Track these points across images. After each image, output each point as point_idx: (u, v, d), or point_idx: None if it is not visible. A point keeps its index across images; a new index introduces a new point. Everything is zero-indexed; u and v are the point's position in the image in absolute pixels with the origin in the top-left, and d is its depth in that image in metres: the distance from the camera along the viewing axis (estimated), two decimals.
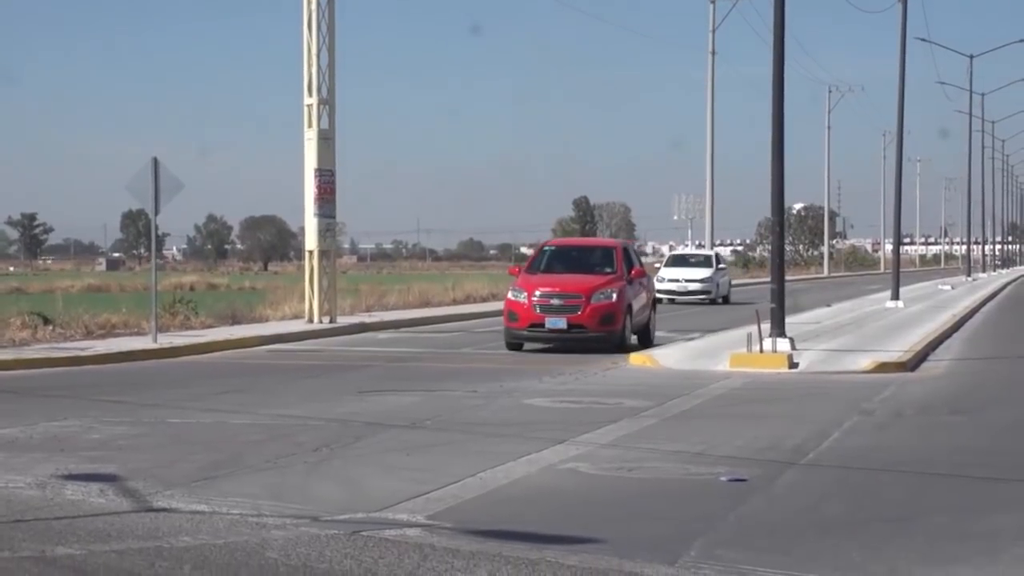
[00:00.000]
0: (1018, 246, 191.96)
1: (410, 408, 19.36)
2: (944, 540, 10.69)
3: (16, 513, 11.61)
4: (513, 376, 23.80)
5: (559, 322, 28.81)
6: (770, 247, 30.05)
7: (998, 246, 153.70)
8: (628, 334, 29.72)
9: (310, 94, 33.65)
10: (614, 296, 29.27)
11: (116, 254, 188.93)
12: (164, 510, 11.76)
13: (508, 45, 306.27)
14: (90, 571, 9.57)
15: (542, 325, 28.97)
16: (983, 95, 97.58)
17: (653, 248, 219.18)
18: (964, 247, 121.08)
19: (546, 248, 33.39)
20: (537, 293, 29.26)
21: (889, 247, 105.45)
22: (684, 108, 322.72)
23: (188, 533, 10.82)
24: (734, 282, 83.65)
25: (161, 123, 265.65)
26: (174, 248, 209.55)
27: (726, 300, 58.16)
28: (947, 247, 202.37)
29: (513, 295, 29.81)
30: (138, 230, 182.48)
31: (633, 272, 30.95)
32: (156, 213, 29.78)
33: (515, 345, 29.73)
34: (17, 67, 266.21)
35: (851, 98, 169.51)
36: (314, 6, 33.19)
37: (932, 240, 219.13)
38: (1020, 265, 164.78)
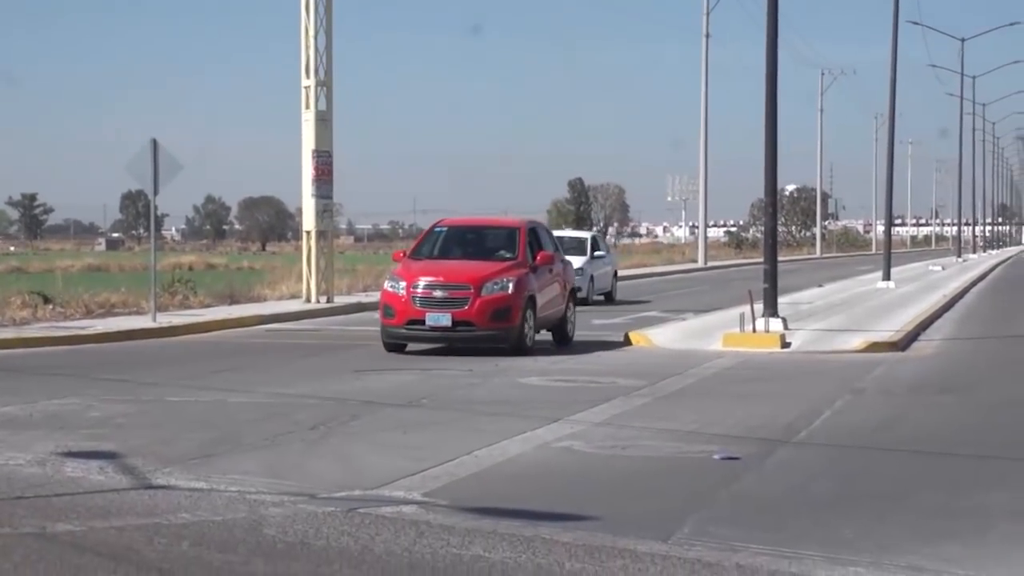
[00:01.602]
0: (1007, 227, 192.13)
1: (406, 387, 19.37)
2: (933, 517, 10.71)
3: (17, 490, 11.62)
4: (506, 356, 23.82)
5: (442, 318, 23.58)
6: (763, 228, 29.95)
7: (988, 227, 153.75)
8: (528, 332, 24.29)
9: (307, 76, 33.61)
10: (510, 287, 23.88)
11: (116, 234, 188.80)
12: (163, 487, 11.77)
13: (506, 28, 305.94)
14: (90, 547, 9.57)
15: (422, 322, 23.67)
16: (974, 78, 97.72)
17: (647, 229, 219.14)
18: (954, 228, 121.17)
19: (436, 229, 27.12)
20: (417, 284, 23.92)
21: (881, 228, 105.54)
22: (679, 91, 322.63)
23: (186, 510, 10.83)
24: (727, 263, 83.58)
25: (160, 104, 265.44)
26: (173, 228, 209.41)
27: (609, 297, 43.19)
28: (938, 228, 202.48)
29: (390, 286, 24.53)
30: (137, 211, 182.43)
31: (539, 258, 25.34)
32: (155, 194, 29.77)
33: (393, 346, 24.38)
34: (19, 49, 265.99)
35: (843, 81, 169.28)
36: None
37: (923, 221, 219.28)
38: (1010, 246, 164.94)
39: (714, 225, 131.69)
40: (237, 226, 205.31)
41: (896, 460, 13.62)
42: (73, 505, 11.04)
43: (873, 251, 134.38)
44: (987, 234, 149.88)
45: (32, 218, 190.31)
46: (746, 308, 26.50)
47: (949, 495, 11.58)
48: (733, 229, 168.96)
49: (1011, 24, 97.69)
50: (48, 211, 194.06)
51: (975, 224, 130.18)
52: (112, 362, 22.73)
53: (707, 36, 76.34)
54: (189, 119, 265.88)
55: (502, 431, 14.93)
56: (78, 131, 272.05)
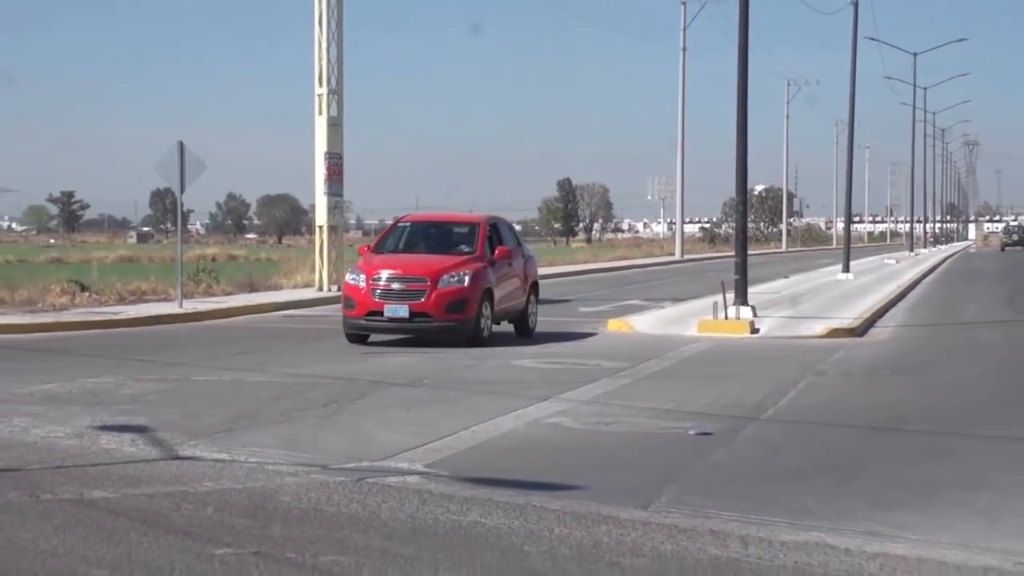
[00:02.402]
0: (955, 225, 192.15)
1: (409, 368, 19.36)
2: (887, 488, 10.73)
3: (56, 460, 11.62)
4: (502, 339, 23.80)
5: (400, 310, 22.46)
6: (735, 225, 29.97)
7: (937, 224, 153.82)
8: (485, 324, 23.12)
9: (320, 85, 33.59)
10: (466, 280, 22.70)
11: (145, 228, 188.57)
12: (189, 458, 11.78)
13: (502, 40, 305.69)
14: (123, 512, 9.58)
15: (381, 313, 22.56)
16: (925, 89, 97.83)
17: (629, 225, 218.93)
18: (907, 225, 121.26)
19: (399, 225, 25.88)
20: (376, 277, 22.82)
21: (840, 225, 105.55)
22: (659, 98, 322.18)
23: (210, 479, 10.84)
24: (701, 256, 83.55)
25: (187, 108, 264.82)
26: (197, 223, 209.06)
27: None
28: (892, 225, 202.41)
29: (351, 279, 23.42)
30: (165, 207, 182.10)
31: (497, 253, 24.09)
32: (182, 191, 29.79)
33: (355, 337, 23.24)
34: (57, 56, 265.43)
35: (807, 91, 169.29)
36: (324, 5, 33.10)
37: (879, 219, 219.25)
38: (957, 242, 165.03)
39: (690, 221, 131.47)
40: (256, 221, 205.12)
41: (853, 435, 13.64)
42: (107, 474, 11.05)
43: (834, 246, 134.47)
44: (937, 231, 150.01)
45: (70, 213, 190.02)
46: (719, 297, 26.52)
47: (901, 467, 11.61)
48: (707, 225, 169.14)
49: (959, 40, 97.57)
50: (84, 207, 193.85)
51: (926, 221, 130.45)
52: (142, 344, 22.72)
53: (684, 50, 76.30)
54: (213, 123, 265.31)
55: (497, 409, 14.93)
56: (111, 133, 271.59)
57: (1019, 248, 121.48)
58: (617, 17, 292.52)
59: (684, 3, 75.34)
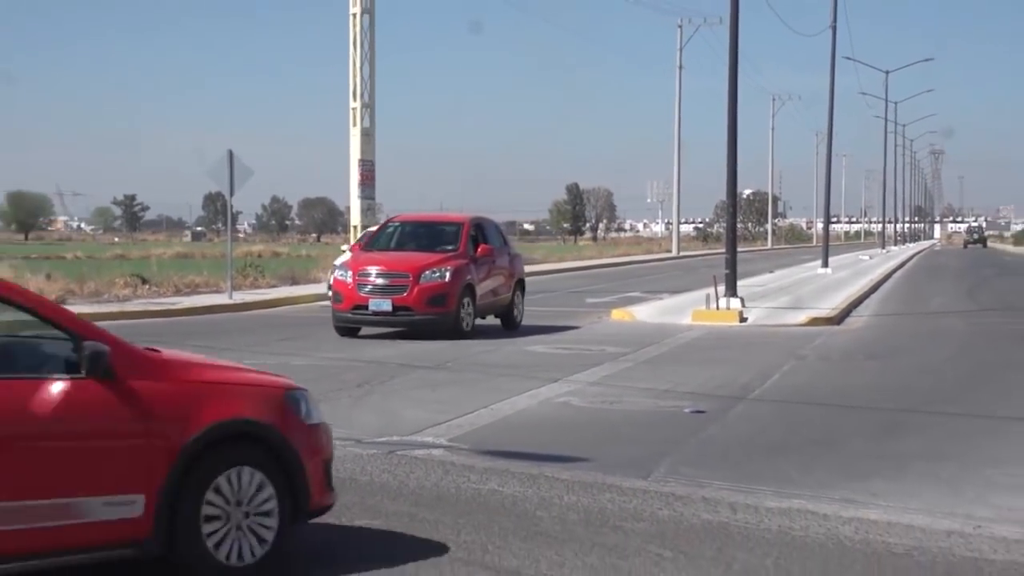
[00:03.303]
0: (922, 225, 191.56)
1: (434, 353, 19.37)
2: (862, 459, 10.73)
3: None
4: (510, 329, 23.82)
5: (384, 304, 21.39)
6: (725, 224, 29.92)
7: (906, 225, 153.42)
8: (465, 318, 21.93)
9: (354, 99, 33.57)
10: (447, 276, 21.54)
11: (199, 228, 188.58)
12: None
13: (517, 60, 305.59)
14: None
15: (366, 307, 21.49)
16: (896, 103, 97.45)
17: (631, 225, 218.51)
18: (880, 225, 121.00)
19: (389, 224, 25.10)
20: (362, 273, 21.78)
21: (820, 225, 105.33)
22: (658, 111, 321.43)
23: None
24: (696, 253, 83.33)
25: (237, 119, 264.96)
26: (245, 223, 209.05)
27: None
28: (866, 225, 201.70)
29: (340, 274, 22.45)
30: (216, 208, 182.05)
31: (480, 250, 22.87)
32: (231, 195, 29.83)
33: (345, 330, 22.00)
34: (120, 69, 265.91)
35: (791, 105, 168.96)
36: (358, 29, 33.09)
37: (854, 219, 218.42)
38: (923, 240, 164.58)
39: (685, 222, 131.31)
40: (297, 221, 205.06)
41: (831, 413, 13.62)
42: None
43: (814, 244, 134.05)
44: (906, 230, 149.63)
45: (132, 214, 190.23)
46: (711, 290, 26.48)
47: (874, 442, 11.59)
48: (701, 225, 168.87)
49: (925, 60, 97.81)
50: (144, 209, 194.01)
51: (896, 222, 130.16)
52: (196, 331, 22.76)
53: (680, 67, 76.17)
54: (260, 132, 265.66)
55: (513, 389, 14.94)
56: (169, 141, 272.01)
57: (979, 245, 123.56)
58: (621, 38, 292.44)
59: (680, 26, 75.25)
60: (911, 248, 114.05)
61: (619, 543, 7.86)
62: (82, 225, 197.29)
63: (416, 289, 21.36)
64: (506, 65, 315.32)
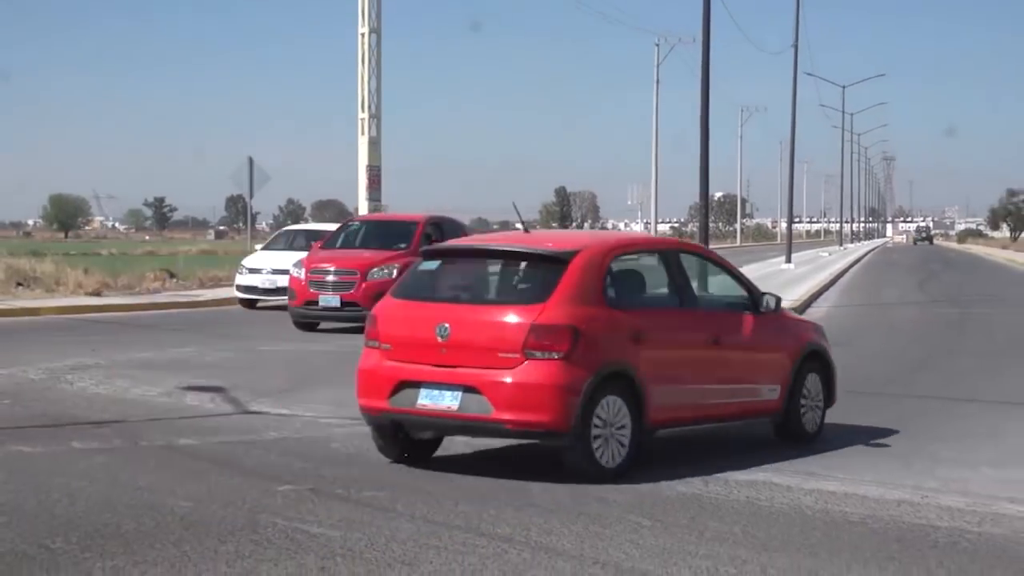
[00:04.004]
0: (876, 224, 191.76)
1: None
2: (822, 439, 10.69)
3: (151, 414, 11.65)
4: None
5: (332, 300, 20.32)
6: (699, 224, 29.93)
7: (861, 224, 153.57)
8: None
9: (363, 110, 33.47)
10: (394, 272, 19.83)
11: (222, 227, 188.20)
12: (257, 413, 11.80)
13: (510, 69, 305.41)
14: (204, 456, 9.60)
15: (316, 303, 20.46)
16: (852, 115, 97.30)
17: (612, 225, 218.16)
18: (838, 225, 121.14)
19: (349, 224, 24.07)
20: (313, 270, 20.72)
21: (784, 224, 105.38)
22: (637, 120, 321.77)
23: (274, 429, 10.86)
24: None
25: (254, 128, 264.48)
26: (263, 223, 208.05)
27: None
28: (825, 224, 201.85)
29: (294, 272, 21.20)
30: (237, 209, 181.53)
31: None
32: (251, 197, 29.87)
33: (302, 325, 20.83)
34: (155, 84, 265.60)
35: (757, 116, 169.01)
36: (366, 47, 33.01)
37: (814, 219, 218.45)
38: (876, 239, 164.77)
39: (662, 222, 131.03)
40: (311, 222, 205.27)
41: None
42: (191, 425, 11.07)
43: (778, 241, 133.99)
44: (861, 229, 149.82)
45: (161, 215, 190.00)
46: None
47: (833, 421, 11.57)
48: (676, 225, 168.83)
49: (878, 76, 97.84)
50: (172, 210, 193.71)
51: (852, 222, 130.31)
52: (220, 321, 22.74)
53: (657, 82, 76.06)
54: (276, 139, 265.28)
55: None
56: (196, 148, 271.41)
57: (926, 243, 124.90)
58: (605, 56, 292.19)
59: (658, 44, 75.14)
60: (866, 245, 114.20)
61: (602, 512, 7.86)
62: (116, 224, 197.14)
63: (363, 285, 20.17)
64: (502, 81, 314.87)
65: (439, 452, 9.76)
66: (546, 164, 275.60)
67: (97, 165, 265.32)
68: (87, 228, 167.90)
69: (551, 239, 9.75)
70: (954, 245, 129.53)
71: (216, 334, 19.91)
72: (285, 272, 23.37)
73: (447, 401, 8.68)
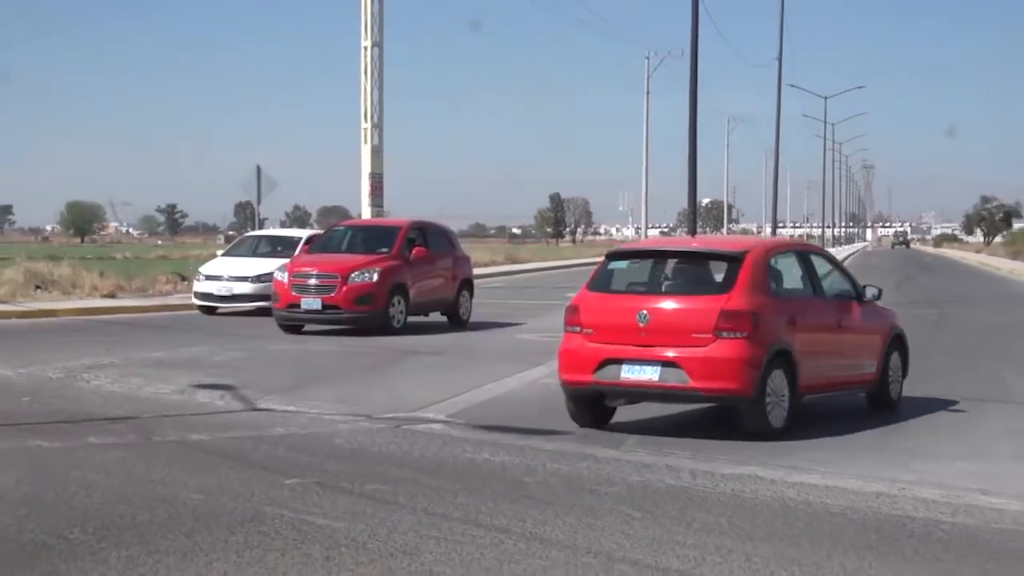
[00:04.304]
0: (856, 229, 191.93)
1: (437, 342, 19.37)
2: (806, 431, 10.70)
3: (164, 410, 11.65)
4: (508, 319, 23.82)
5: (314, 303, 19.89)
6: (687, 230, 29.96)
7: (842, 229, 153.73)
8: (396, 315, 20.30)
9: (365, 120, 33.49)
10: (375, 276, 19.93)
11: (231, 232, 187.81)
12: (265, 410, 11.80)
13: (507, 81, 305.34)
14: (214, 451, 9.60)
15: (298, 306, 20.02)
16: (833, 124, 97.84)
17: (605, 229, 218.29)
18: (819, 230, 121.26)
19: (334, 229, 23.87)
20: (296, 274, 20.24)
21: (768, 229, 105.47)
22: (629, 129, 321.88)
23: (281, 425, 10.85)
24: None
25: (263, 137, 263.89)
26: (271, 229, 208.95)
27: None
28: (808, 229, 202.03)
29: (278, 276, 20.61)
30: (246, 215, 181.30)
31: (414, 252, 21.02)
32: (259, 203, 29.90)
33: (287, 328, 20.33)
34: (166, 93, 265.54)
35: (743, 125, 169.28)
36: (369, 60, 33.03)
37: (798, 224, 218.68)
38: (857, 243, 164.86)
39: (652, 227, 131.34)
40: (316, 227, 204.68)
41: None
42: (202, 422, 11.07)
43: None
44: (842, 234, 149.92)
45: (173, 220, 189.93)
46: None
47: (815, 418, 11.58)
48: (666, 230, 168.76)
49: (858, 87, 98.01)
50: (184, 215, 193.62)
51: (834, 227, 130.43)
52: (229, 323, 22.71)
53: (648, 93, 76.13)
54: (283, 147, 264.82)
55: (503, 371, 14.95)
56: (206, 156, 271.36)
57: (904, 247, 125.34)
58: (599, 68, 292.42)
59: (648, 58, 75.21)
60: (847, 249, 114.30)
61: (595, 504, 7.87)
62: (130, 230, 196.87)
63: (344, 289, 19.83)
64: (499, 92, 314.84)
65: (440, 448, 9.78)
66: (541, 171, 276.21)
67: (112, 173, 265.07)
68: (102, 233, 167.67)
69: (719, 242, 12.46)
70: (930, 249, 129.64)
71: (225, 334, 19.90)
72: (243, 279, 23.45)
73: (648, 374, 10.27)
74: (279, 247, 24.79)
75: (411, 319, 20.97)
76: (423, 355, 17.03)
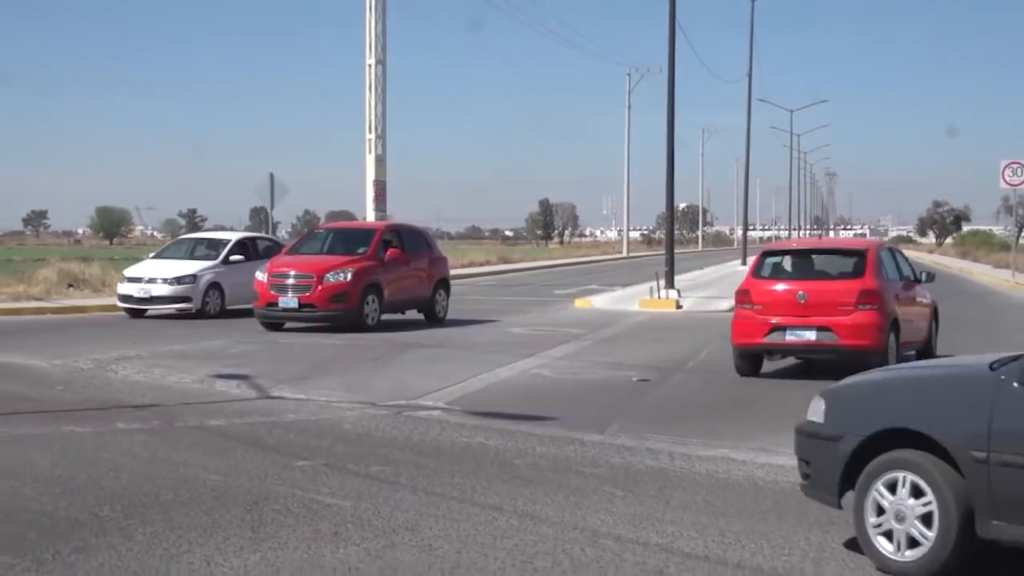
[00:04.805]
0: (820, 232, 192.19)
1: (436, 335, 19.37)
2: (775, 417, 10.69)
3: (185, 398, 11.65)
4: (500, 315, 23.81)
5: (291, 301, 19.33)
6: (665, 231, 29.98)
7: (807, 231, 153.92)
8: (370, 313, 19.74)
9: (370, 132, 33.42)
10: (348, 276, 19.39)
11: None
12: (277, 398, 11.79)
13: (500, 95, 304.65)
14: (231, 436, 9.60)
15: (276, 304, 19.48)
16: (799, 135, 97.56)
17: (590, 231, 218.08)
18: (787, 232, 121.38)
19: (315, 231, 23.23)
20: (274, 274, 19.70)
21: (740, 231, 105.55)
22: (612, 140, 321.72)
23: (292, 412, 10.85)
24: (641, 254, 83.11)
25: (274, 146, 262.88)
26: (283, 232, 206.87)
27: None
28: (776, 232, 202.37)
29: (259, 276, 20.04)
30: (260, 219, 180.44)
31: (389, 254, 20.44)
32: (272, 208, 29.79)
33: (268, 325, 19.81)
34: (188, 104, 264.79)
35: (717, 136, 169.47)
36: (373, 76, 32.97)
37: (767, 227, 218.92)
38: None
39: (633, 229, 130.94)
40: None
41: (751, 381, 13.65)
42: (220, 408, 11.07)
43: (735, 247, 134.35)
44: (807, 236, 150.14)
45: (193, 224, 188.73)
46: (654, 283, 26.53)
47: (785, 403, 11.60)
48: (646, 231, 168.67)
49: (822, 102, 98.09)
50: (203, 219, 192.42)
51: (800, 229, 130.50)
52: (245, 318, 22.63)
53: (629, 107, 76.18)
54: (294, 155, 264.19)
55: (497, 362, 14.94)
56: (223, 163, 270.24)
57: None
58: (584, 83, 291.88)
59: (629, 74, 75.30)
60: None
61: (580, 485, 7.88)
62: (154, 233, 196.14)
63: (319, 288, 19.30)
64: (493, 103, 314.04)
65: (439, 433, 9.79)
66: (531, 178, 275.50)
67: (138, 181, 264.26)
68: (129, 236, 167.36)
69: (843, 242, 17.96)
70: None
71: (241, 329, 19.87)
72: (162, 281, 21.98)
73: (807, 336, 13.29)
74: (209, 249, 23.48)
75: (390, 317, 20.71)
76: (422, 348, 17.03)
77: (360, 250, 20.42)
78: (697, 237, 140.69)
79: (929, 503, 5.70)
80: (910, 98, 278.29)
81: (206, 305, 22.16)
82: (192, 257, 23.31)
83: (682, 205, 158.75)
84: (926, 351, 14.99)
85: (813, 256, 14.56)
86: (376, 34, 32.25)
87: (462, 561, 6.02)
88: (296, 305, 19.40)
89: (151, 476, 7.94)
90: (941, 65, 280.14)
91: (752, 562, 6.11)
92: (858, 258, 13.77)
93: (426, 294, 21.56)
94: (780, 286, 13.68)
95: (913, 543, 5.78)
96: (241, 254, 23.10)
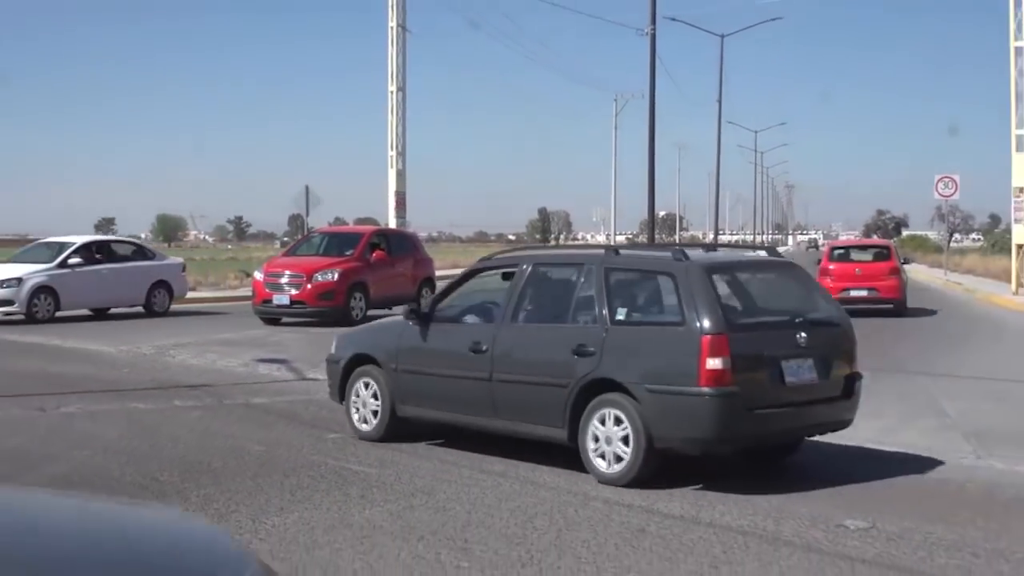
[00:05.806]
0: (780, 236, 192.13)
1: None
2: None
3: (233, 379, 11.67)
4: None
5: (283, 299, 18.67)
6: (647, 236, 29.99)
7: (770, 236, 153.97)
8: (356, 309, 18.96)
9: (391, 149, 33.41)
10: (335, 275, 18.76)
11: (285, 239, 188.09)
12: (312, 379, 11.79)
13: (505, 115, 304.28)
14: (273, 412, 9.62)
15: (270, 301, 18.82)
16: (762, 152, 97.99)
17: (582, 236, 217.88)
18: (751, 236, 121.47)
19: (312, 235, 22.57)
20: (270, 273, 19.14)
21: (711, 235, 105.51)
22: (601, 155, 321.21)
23: (326, 392, 10.85)
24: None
25: (309, 161, 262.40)
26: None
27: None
28: (742, 236, 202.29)
29: (256, 275, 19.80)
30: (296, 226, 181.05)
31: (375, 255, 19.78)
32: (307, 216, 29.92)
33: (266, 320, 19.08)
34: (236, 122, 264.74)
35: (691, 153, 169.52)
36: (394, 101, 32.98)
37: (734, 232, 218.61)
38: (781, 247, 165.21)
39: (620, 234, 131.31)
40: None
41: None
42: (263, 388, 11.09)
43: None
44: (769, 240, 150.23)
45: (240, 229, 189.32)
46: None
47: None
48: (631, 237, 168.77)
49: (781, 124, 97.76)
50: (248, 225, 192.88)
51: (763, 234, 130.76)
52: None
53: (615, 128, 76.04)
54: (328, 168, 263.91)
55: None
56: (267, 175, 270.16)
57: (815, 249, 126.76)
58: (578, 107, 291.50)
59: (616, 99, 75.20)
60: None
61: (574, 455, 7.86)
62: (206, 237, 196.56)
63: (309, 286, 18.64)
64: (495, 119, 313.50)
65: None
66: (531, 187, 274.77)
67: (193, 190, 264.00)
68: (185, 240, 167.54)
69: (877, 241, 23.32)
70: None
71: (291, 323, 19.86)
72: (7, 283, 18.46)
73: (864, 293, 20.50)
74: (49, 252, 19.69)
75: (379, 313, 20.07)
76: None
77: (348, 252, 19.80)
78: (675, 241, 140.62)
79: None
80: (856, 116, 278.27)
81: (33, 308, 18.33)
82: (29, 260, 19.51)
83: (661, 212, 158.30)
84: (898, 310, 21.03)
85: (860, 249, 22.83)
86: (397, 65, 32.26)
87: (472, 520, 6.03)
88: (288, 302, 18.76)
89: (204, 446, 7.96)
90: (888, 85, 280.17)
91: (721, 521, 6.12)
92: (886, 249, 22.27)
93: (411, 292, 20.57)
94: (847, 263, 21.69)
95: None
96: (83, 257, 19.43)
